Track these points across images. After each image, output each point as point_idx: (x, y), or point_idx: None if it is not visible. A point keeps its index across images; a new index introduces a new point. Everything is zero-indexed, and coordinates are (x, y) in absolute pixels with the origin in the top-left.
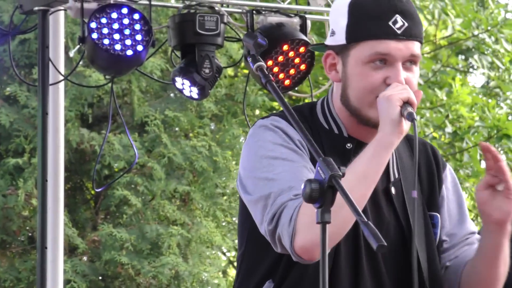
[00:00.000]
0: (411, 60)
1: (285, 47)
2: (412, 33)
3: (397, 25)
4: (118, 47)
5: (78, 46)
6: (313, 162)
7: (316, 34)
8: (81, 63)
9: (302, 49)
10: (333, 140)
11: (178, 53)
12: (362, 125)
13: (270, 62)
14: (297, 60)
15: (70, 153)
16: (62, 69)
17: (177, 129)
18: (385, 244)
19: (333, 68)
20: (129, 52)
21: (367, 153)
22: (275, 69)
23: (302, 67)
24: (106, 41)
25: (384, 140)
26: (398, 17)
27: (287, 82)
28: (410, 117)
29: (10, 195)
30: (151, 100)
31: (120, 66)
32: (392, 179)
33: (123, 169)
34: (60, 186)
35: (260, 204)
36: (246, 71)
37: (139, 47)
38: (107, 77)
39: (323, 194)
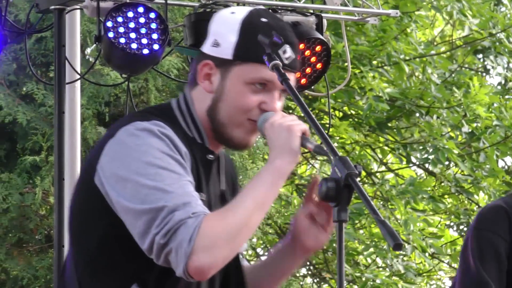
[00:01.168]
0: (285, 90)
1: (301, 46)
2: (296, 65)
3: (286, 55)
4: (134, 46)
5: (94, 45)
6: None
7: (332, 33)
8: (98, 61)
9: (318, 48)
10: (198, 149)
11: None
12: (218, 142)
13: None
14: (313, 59)
15: (87, 151)
16: (78, 67)
17: None
18: (402, 242)
19: (207, 78)
20: (145, 51)
21: (266, 180)
22: None
23: (318, 66)
24: (122, 40)
25: (283, 169)
26: (287, 48)
27: (303, 81)
28: (320, 149)
29: (27, 193)
30: (167, 99)
31: (136, 65)
32: (223, 187)
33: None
34: None
35: (148, 216)
36: None
37: (155, 46)
38: (123, 75)
39: (339, 193)
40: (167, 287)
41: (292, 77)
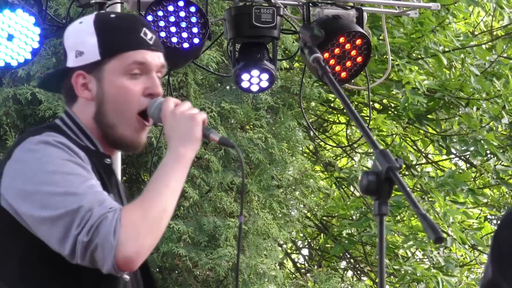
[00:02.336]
0: (159, 70)
1: (342, 40)
2: (159, 44)
3: (148, 37)
4: (174, 40)
5: None
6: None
7: (371, 27)
8: None
9: (358, 42)
10: (93, 155)
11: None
12: (110, 147)
13: (326, 55)
14: (353, 53)
15: None
16: None
17: (233, 121)
18: (443, 236)
19: (84, 87)
20: (186, 45)
21: (174, 168)
22: (332, 62)
23: (359, 59)
24: (162, 34)
25: (188, 156)
26: (146, 30)
27: (343, 74)
28: (224, 140)
29: None
30: (207, 93)
31: (176, 59)
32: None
33: None
34: (118, 178)
35: (65, 219)
36: (301, 64)
37: (196, 40)
38: None
39: (380, 186)
40: None
41: (160, 56)
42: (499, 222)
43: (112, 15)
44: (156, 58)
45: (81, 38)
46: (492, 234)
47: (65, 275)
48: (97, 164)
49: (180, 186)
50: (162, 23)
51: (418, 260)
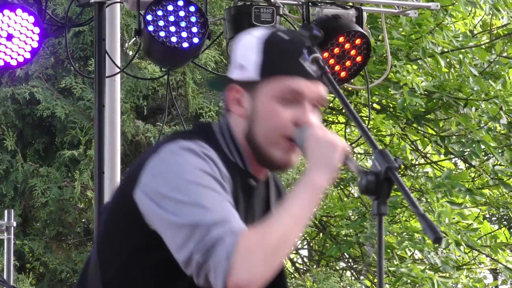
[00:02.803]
0: (316, 103)
1: (341, 39)
2: (319, 75)
3: (314, 67)
4: (174, 39)
5: (134, 39)
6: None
7: (369, 27)
8: (136, 55)
9: (358, 41)
10: (239, 174)
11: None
12: (261, 166)
13: (326, 54)
14: (353, 52)
15: (125, 145)
16: (118, 61)
17: None
18: (442, 236)
19: (238, 103)
20: (185, 45)
21: (303, 196)
22: (331, 61)
23: (358, 59)
24: (162, 34)
25: (320, 184)
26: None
27: (343, 74)
28: (358, 171)
29: (66, 187)
30: (205, 92)
31: (176, 59)
32: (271, 200)
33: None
34: (116, 178)
35: (185, 230)
36: None
37: (195, 40)
38: (163, 69)
39: (379, 186)
40: None
41: (319, 87)
42: None
43: (286, 37)
44: (313, 88)
45: (246, 53)
46: None
47: (164, 278)
48: (239, 185)
49: (306, 214)
50: (161, 23)
51: (415, 261)
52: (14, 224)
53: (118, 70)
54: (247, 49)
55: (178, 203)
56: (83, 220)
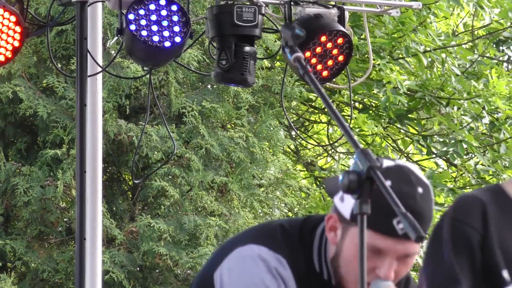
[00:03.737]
0: (403, 258)
1: (323, 38)
2: (413, 233)
3: (401, 226)
4: (156, 38)
5: (116, 38)
6: None
7: (353, 26)
8: (118, 54)
9: (340, 40)
10: (321, 285)
11: (216, 45)
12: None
13: (308, 53)
14: (335, 51)
15: (108, 144)
16: (100, 60)
17: (214, 120)
18: (425, 235)
19: (333, 229)
20: (167, 44)
21: None
22: (313, 60)
23: (340, 58)
24: (144, 33)
25: None
26: (403, 218)
27: (325, 73)
28: None
29: (49, 186)
30: (188, 92)
31: (158, 58)
32: None
33: (160, 160)
34: (98, 177)
35: None
36: (282, 64)
37: (177, 39)
38: (145, 68)
39: (361, 185)
40: None
41: (408, 246)
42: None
43: (388, 182)
44: (400, 248)
45: (348, 196)
46: (442, 222)
47: None
48: None
49: None
50: (143, 22)
51: None
52: None
53: (100, 69)
54: (348, 196)
55: None
56: (65, 220)
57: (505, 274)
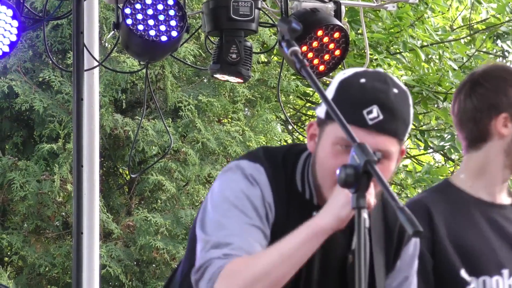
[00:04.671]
0: (381, 155)
1: (320, 33)
2: (385, 127)
3: (371, 116)
4: (152, 33)
5: (112, 32)
6: (277, 226)
7: (350, 21)
8: (115, 48)
9: (336, 35)
10: (301, 205)
11: (212, 39)
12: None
13: (304, 48)
14: (331, 46)
15: (104, 138)
16: (96, 55)
17: (210, 114)
18: (422, 230)
19: (311, 138)
20: (164, 38)
21: (300, 235)
22: (310, 55)
23: (337, 52)
24: (140, 27)
25: (321, 228)
26: (375, 108)
27: (321, 67)
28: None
29: (45, 180)
30: (184, 86)
31: (154, 52)
32: (353, 247)
33: (156, 155)
34: (95, 171)
35: (201, 244)
36: (279, 58)
37: (174, 33)
38: (141, 63)
39: (358, 180)
40: None
41: (380, 140)
42: None
43: (363, 80)
44: (371, 141)
45: (328, 89)
46: None
47: None
48: (297, 213)
49: (298, 254)
50: (140, 16)
51: None
52: None
53: (97, 63)
54: (331, 85)
55: (207, 215)
56: (62, 214)
57: (463, 273)
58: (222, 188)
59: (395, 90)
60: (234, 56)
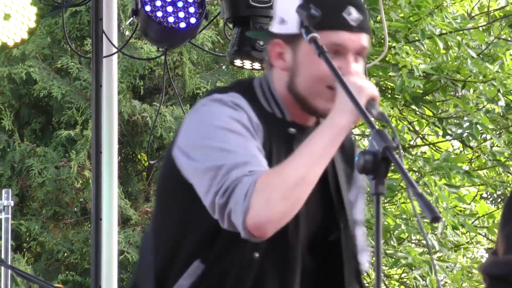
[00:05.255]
0: (360, 52)
1: None
2: (364, 25)
3: (351, 17)
4: (171, 19)
5: (130, 19)
6: (263, 146)
7: (368, 8)
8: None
9: None
10: (276, 124)
11: (231, 25)
12: (307, 114)
13: None
14: None
15: (122, 125)
16: (115, 41)
17: None
18: (440, 216)
19: (280, 57)
20: (182, 25)
21: (323, 135)
22: None
23: None
24: (159, 14)
25: (342, 125)
26: (351, 9)
27: None
28: (382, 117)
29: (63, 167)
30: (202, 72)
31: (173, 39)
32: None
33: None
34: (114, 158)
35: (210, 174)
36: None
37: (192, 20)
38: (159, 49)
39: (376, 166)
40: (227, 260)
41: (361, 37)
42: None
43: None
44: (356, 40)
45: (287, 6)
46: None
47: (204, 232)
48: (276, 132)
49: (327, 153)
50: (158, 3)
51: (413, 242)
52: (12, 203)
53: (115, 50)
54: (289, 2)
55: (204, 148)
56: (80, 200)
57: None
58: (206, 121)
59: None
60: (261, 43)
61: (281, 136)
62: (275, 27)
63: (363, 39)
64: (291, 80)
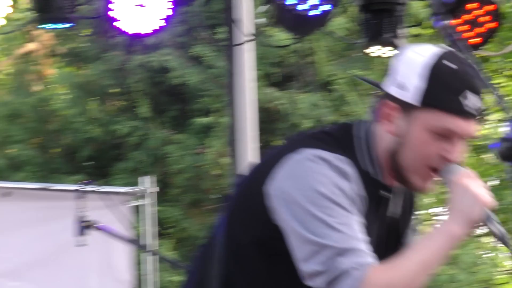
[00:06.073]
0: (465, 139)
1: (472, 6)
2: (477, 113)
3: (467, 102)
4: (303, 7)
5: (263, 7)
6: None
7: None
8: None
9: (490, 7)
10: (370, 184)
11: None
12: (397, 182)
13: (457, 21)
14: (484, 19)
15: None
16: (248, 29)
17: (361, 88)
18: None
19: (389, 118)
20: (315, 12)
21: (436, 243)
22: (462, 28)
23: (489, 25)
24: (291, 1)
25: (456, 235)
26: (469, 94)
27: (474, 40)
28: (501, 237)
29: (200, 154)
30: (335, 59)
31: (305, 26)
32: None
33: (310, 128)
34: (250, 145)
35: (312, 247)
36: (429, 31)
37: (325, 7)
38: (292, 36)
39: None
40: None
41: (472, 125)
42: None
43: (453, 66)
44: (468, 128)
45: (408, 73)
46: None
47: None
48: (369, 195)
49: (436, 261)
50: None
51: None
52: (157, 189)
53: (249, 38)
54: (411, 70)
55: (307, 213)
56: (217, 187)
57: None
58: (311, 182)
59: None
60: (400, 32)
61: (373, 197)
62: (392, 89)
63: (473, 127)
64: (396, 148)
